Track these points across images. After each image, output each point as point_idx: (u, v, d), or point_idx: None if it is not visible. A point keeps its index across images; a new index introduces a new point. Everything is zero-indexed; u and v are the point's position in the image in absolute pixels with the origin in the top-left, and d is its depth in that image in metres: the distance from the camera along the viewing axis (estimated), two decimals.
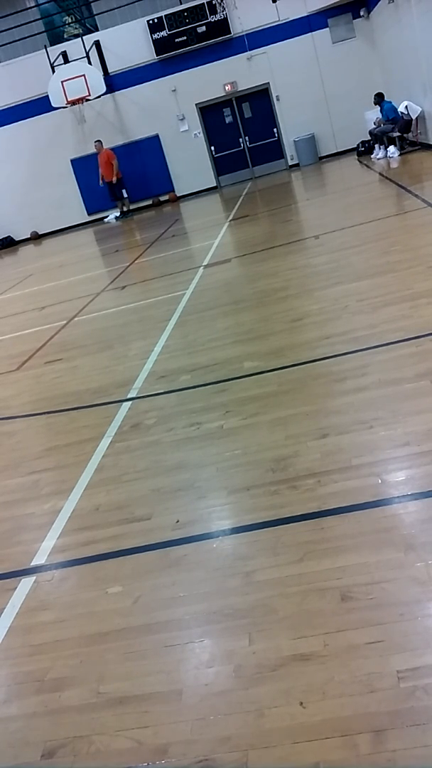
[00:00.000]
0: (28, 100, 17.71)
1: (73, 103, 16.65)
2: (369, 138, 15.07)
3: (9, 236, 19.06)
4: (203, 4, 16.53)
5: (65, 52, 17.21)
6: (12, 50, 17.55)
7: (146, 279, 8.23)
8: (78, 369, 5.15)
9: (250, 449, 3.07)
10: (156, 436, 3.50)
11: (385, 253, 5.90)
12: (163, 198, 18.37)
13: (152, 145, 18.02)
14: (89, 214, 18.62)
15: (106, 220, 17.85)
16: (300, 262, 6.64)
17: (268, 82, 17.35)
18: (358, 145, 16.11)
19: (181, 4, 16.89)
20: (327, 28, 16.63)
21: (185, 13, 16.64)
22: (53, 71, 16.56)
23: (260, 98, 17.62)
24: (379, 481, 2.52)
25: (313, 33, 16.71)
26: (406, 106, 12.93)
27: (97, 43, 17.16)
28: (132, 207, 17.86)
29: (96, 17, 17.66)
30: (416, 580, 1.96)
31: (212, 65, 17.14)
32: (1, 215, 18.84)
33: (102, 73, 16.96)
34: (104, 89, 16.83)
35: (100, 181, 17.23)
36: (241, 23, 16.68)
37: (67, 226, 18.81)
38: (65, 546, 2.70)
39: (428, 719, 1.54)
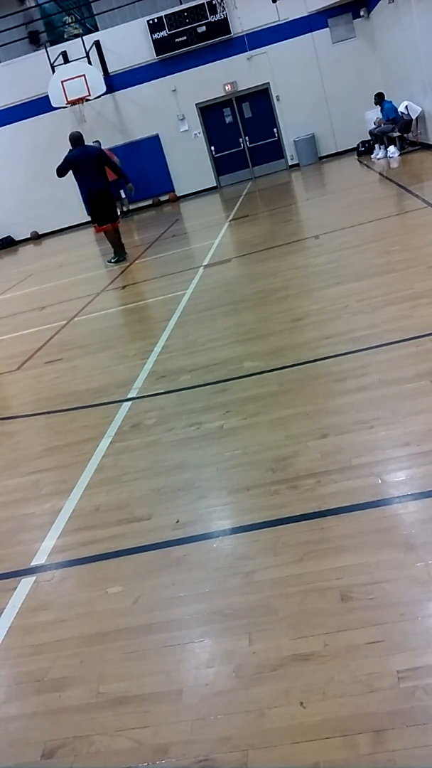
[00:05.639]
0: (28, 100, 17.71)
1: (73, 103, 16.64)
2: (369, 138, 15.07)
3: (9, 236, 19.07)
4: (203, 4, 16.53)
5: (65, 52, 17.20)
6: (12, 50, 17.55)
7: (146, 279, 8.23)
8: (78, 369, 5.15)
9: (250, 449, 3.07)
10: (156, 436, 3.50)
11: (385, 253, 5.90)
12: (163, 198, 18.37)
13: (152, 145, 18.02)
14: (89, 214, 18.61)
15: None
16: (300, 262, 6.64)
17: (268, 82, 17.35)
18: (358, 145, 16.12)
19: (181, 4, 16.90)
20: (327, 28, 16.63)
21: (185, 13, 16.65)
22: (53, 71, 16.56)
23: (260, 98, 17.62)
24: (379, 481, 2.52)
25: (313, 33, 16.71)
26: (406, 106, 12.94)
27: (97, 43, 17.17)
28: (132, 207, 17.86)
29: (96, 17, 17.66)
30: (416, 580, 1.96)
31: (212, 65, 17.14)
32: (1, 215, 18.84)
33: (102, 73, 16.95)
34: (104, 89, 16.82)
35: None
36: (241, 23, 16.69)
37: (67, 226, 18.80)
38: (65, 546, 2.70)
39: (428, 719, 1.54)
